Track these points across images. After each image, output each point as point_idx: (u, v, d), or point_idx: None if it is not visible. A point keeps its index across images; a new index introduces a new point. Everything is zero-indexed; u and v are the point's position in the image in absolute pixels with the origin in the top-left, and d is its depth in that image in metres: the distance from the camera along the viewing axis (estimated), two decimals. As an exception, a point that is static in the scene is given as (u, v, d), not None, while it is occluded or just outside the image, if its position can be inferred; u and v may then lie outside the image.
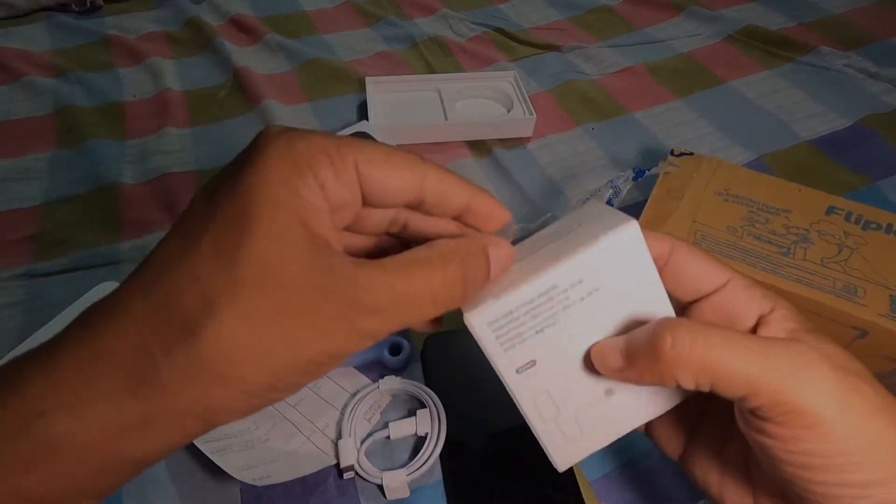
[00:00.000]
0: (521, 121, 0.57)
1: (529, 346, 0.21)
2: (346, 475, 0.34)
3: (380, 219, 0.22)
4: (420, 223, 0.23)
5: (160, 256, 0.18)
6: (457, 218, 0.22)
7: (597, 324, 0.21)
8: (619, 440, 0.23)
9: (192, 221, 0.18)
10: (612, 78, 0.66)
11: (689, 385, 0.19)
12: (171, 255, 0.17)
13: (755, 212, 0.39)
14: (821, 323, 0.34)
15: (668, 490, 0.35)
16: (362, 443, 0.35)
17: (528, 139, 0.58)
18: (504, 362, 0.21)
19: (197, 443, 0.34)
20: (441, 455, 0.35)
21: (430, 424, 0.35)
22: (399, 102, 0.60)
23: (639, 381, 0.21)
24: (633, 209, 0.41)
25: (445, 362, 0.38)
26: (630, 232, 0.20)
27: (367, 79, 0.61)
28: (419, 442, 0.36)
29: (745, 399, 0.19)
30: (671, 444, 0.26)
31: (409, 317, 0.18)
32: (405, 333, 0.41)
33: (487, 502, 0.34)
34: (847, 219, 0.38)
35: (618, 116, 0.61)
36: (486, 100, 0.62)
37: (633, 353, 0.20)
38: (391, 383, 0.37)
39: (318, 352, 0.17)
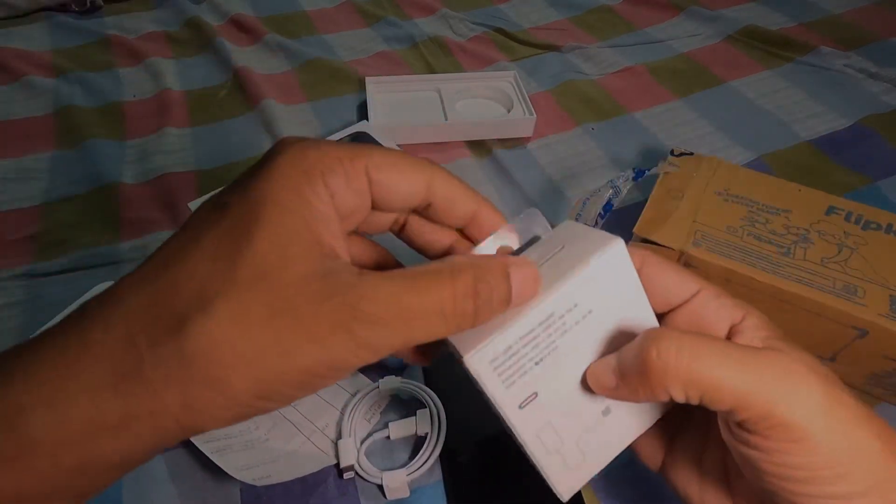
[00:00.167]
0: (521, 121, 0.57)
1: (530, 379, 0.20)
2: (346, 475, 0.34)
3: (384, 220, 0.22)
4: (419, 225, 0.23)
5: (160, 255, 0.17)
6: (460, 229, 0.22)
7: (593, 345, 0.21)
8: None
9: (197, 224, 0.18)
10: (612, 78, 0.66)
11: (681, 398, 0.19)
12: (171, 254, 0.17)
13: (755, 212, 0.39)
14: (821, 323, 0.34)
15: (667, 490, 0.35)
16: (362, 443, 0.35)
17: (528, 139, 0.58)
18: (507, 400, 0.20)
19: (197, 443, 0.34)
20: (441, 455, 0.35)
21: (430, 424, 0.35)
22: (399, 102, 0.60)
23: (634, 399, 0.20)
24: (633, 209, 0.41)
25: (445, 362, 0.38)
26: (617, 249, 0.20)
27: (367, 79, 0.61)
28: (419, 442, 0.36)
29: (733, 412, 0.18)
30: (652, 455, 0.25)
31: (415, 331, 0.17)
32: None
33: (487, 502, 0.34)
34: (847, 219, 0.38)
35: (618, 116, 0.61)
36: (486, 100, 0.62)
37: (624, 370, 0.20)
38: (391, 383, 0.37)
39: (313, 361, 0.16)
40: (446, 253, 0.23)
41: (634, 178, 0.44)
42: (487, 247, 0.22)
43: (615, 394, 0.20)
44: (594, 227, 0.38)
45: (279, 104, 0.61)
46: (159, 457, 0.35)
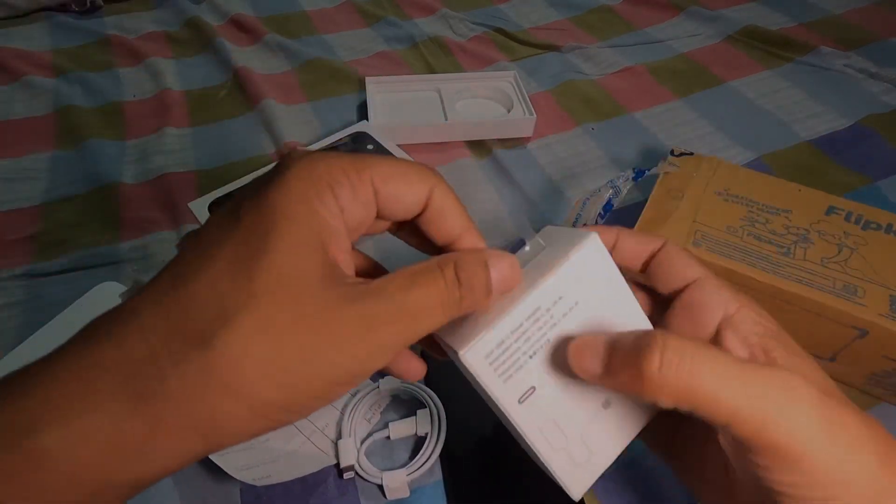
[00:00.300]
0: (521, 121, 0.57)
1: (526, 373, 0.21)
2: (346, 475, 0.34)
3: (384, 224, 0.23)
4: (407, 235, 0.23)
5: (174, 269, 0.17)
6: (444, 246, 0.22)
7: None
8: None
9: (210, 236, 0.18)
10: (612, 78, 0.66)
11: (668, 405, 0.18)
12: (187, 267, 0.17)
13: (755, 212, 0.39)
14: (821, 323, 0.34)
15: (667, 490, 0.35)
16: (362, 443, 0.35)
17: (528, 139, 0.58)
18: (505, 394, 0.21)
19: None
20: (441, 455, 0.35)
21: (430, 424, 0.35)
22: (399, 102, 0.60)
23: (613, 388, 0.21)
24: (633, 209, 0.41)
25: (445, 362, 0.38)
26: (593, 243, 0.22)
27: (367, 79, 0.61)
28: (419, 442, 0.36)
29: (729, 427, 0.18)
30: (657, 444, 0.26)
31: (424, 324, 0.18)
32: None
33: (487, 502, 0.34)
34: (847, 219, 0.38)
35: (618, 116, 0.61)
36: (486, 100, 0.62)
37: (614, 365, 0.19)
38: (391, 383, 0.37)
39: (336, 367, 0.17)
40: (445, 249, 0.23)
41: (634, 178, 0.44)
42: None
43: (595, 380, 0.20)
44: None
45: (279, 104, 0.61)
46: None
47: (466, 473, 0.34)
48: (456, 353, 0.20)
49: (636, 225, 0.38)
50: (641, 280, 0.25)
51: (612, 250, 0.24)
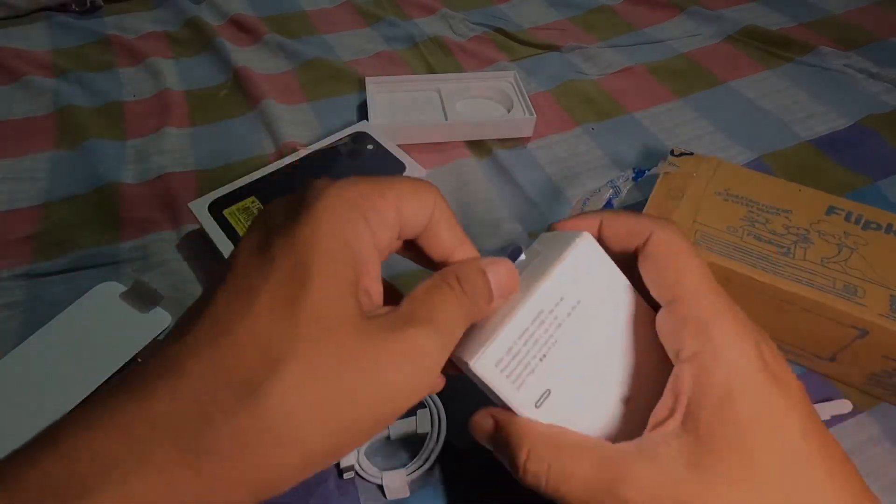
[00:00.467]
0: (521, 121, 0.57)
1: (539, 376, 0.21)
2: (346, 475, 0.34)
3: (399, 244, 0.23)
4: (403, 250, 0.23)
5: (212, 314, 0.17)
6: (440, 259, 0.22)
7: (593, 333, 0.22)
8: None
9: (245, 276, 0.17)
10: (612, 78, 0.66)
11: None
12: (227, 312, 0.17)
13: (755, 212, 0.39)
14: (821, 323, 0.34)
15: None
16: (362, 443, 0.35)
17: (528, 139, 0.58)
18: (521, 400, 0.21)
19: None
20: (441, 455, 0.35)
21: (430, 424, 0.35)
22: (399, 102, 0.60)
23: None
24: (634, 209, 0.41)
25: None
26: (585, 242, 0.22)
27: (367, 79, 0.61)
28: (419, 442, 0.36)
29: None
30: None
31: (455, 335, 0.19)
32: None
33: (487, 502, 0.34)
34: (847, 219, 0.38)
35: (618, 116, 0.61)
36: (486, 100, 0.62)
37: (499, 445, 0.23)
38: (391, 383, 0.37)
39: (386, 404, 0.17)
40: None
41: (634, 178, 0.44)
42: None
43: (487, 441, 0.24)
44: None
45: (279, 104, 0.61)
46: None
47: (466, 473, 0.34)
48: (466, 364, 0.20)
49: (636, 225, 0.38)
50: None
51: (599, 237, 0.24)
